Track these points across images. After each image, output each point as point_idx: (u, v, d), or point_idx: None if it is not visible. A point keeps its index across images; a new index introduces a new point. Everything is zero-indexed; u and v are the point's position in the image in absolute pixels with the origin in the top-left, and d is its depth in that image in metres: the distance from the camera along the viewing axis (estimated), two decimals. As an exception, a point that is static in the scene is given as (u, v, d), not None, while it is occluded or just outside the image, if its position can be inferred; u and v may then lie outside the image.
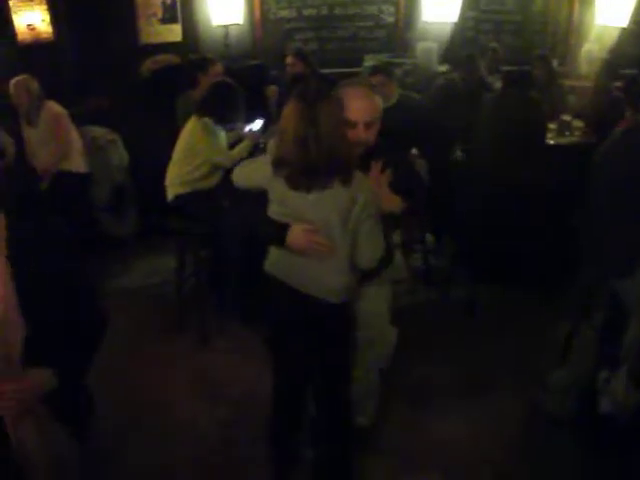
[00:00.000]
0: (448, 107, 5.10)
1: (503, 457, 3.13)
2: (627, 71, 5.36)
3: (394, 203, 2.53)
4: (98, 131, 5.29)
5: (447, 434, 3.28)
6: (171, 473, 3.04)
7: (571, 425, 3.24)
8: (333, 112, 2.29)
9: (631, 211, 3.20)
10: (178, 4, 6.19)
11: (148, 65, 6.07)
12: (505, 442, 3.23)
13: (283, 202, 2.40)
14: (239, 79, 4.51)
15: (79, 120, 5.11)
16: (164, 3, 6.15)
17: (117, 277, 4.96)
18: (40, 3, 5.33)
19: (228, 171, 4.28)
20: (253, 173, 2.59)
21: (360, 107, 2.44)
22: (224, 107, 4.17)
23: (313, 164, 2.26)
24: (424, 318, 4.29)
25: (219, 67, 4.88)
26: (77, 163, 4.90)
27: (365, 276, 2.62)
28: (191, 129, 4.17)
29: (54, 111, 4.75)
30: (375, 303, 2.84)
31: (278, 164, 2.36)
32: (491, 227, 4.47)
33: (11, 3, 5.20)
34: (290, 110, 2.30)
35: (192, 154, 4.16)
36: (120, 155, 5.34)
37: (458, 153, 5.01)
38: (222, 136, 4.25)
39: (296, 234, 2.36)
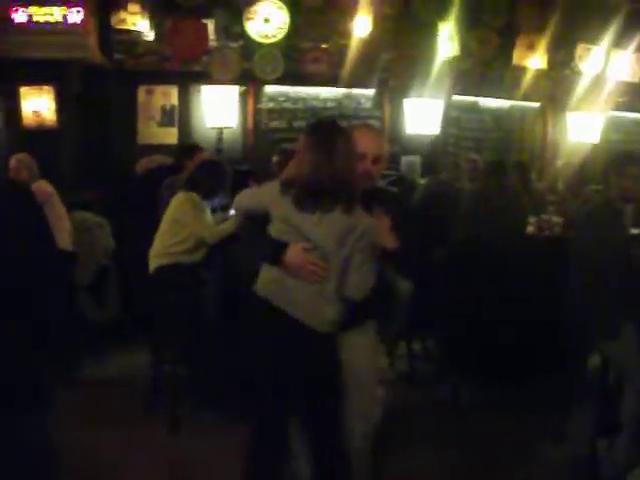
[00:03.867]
0: (431, 209, 5.29)
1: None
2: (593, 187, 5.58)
3: (390, 240, 2.59)
4: (88, 215, 5.43)
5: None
6: None
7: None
8: (346, 143, 2.48)
9: (607, 273, 3.32)
10: (176, 109, 6.57)
11: (144, 164, 6.35)
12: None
13: (286, 220, 2.49)
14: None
15: (72, 207, 5.26)
16: (163, 108, 6.55)
17: (91, 367, 4.89)
18: (49, 92, 5.69)
19: (212, 247, 4.42)
20: (258, 193, 2.74)
21: (370, 141, 2.64)
22: (211, 182, 4.32)
23: (321, 186, 2.41)
24: (410, 417, 4.16)
25: (205, 154, 5.14)
26: (64, 241, 4.98)
27: (357, 316, 2.61)
28: (178, 203, 4.28)
29: (42, 189, 4.87)
30: (363, 356, 2.73)
31: (287, 184, 2.50)
32: (476, 324, 4.48)
33: (22, 90, 5.56)
34: (306, 142, 2.50)
35: (178, 227, 4.24)
36: (107, 239, 5.43)
37: (440, 252, 5.11)
38: (207, 212, 4.37)
39: (294, 251, 2.43)
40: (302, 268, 2.42)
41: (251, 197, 2.76)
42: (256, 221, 2.59)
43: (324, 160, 2.41)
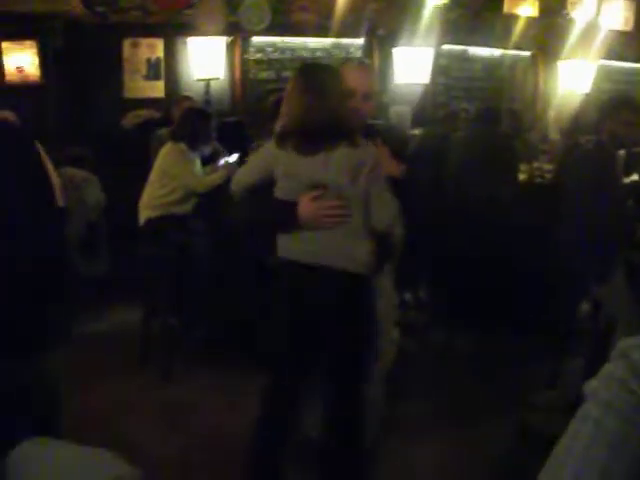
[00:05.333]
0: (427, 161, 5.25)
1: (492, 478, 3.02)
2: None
3: (394, 167, 2.58)
4: (77, 171, 5.36)
5: (433, 460, 3.13)
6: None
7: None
8: (335, 82, 2.43)
9: (600, 217, 3.32)
10: (162, 62, 6.46)
11: (130, 118, 6.27)
12: (494, 463, 3.10)
13: (292, 173, 2.41)
14: (218, 133, 4.67)
15: (59, 164, 5.18)
16: (149, 61, 6.42)
17: (83, 323, 4.79)
18: (31, 47, 5.58)
19: (202, 197, 4.38)
20: (253, 163, 2.64)
21: (358, 78, 2.57)
22: (194, 130, 4.27)
23: (320, 126, 2.35)
24: (404, 365, 4.16)
25: (192, 102, 5.09)
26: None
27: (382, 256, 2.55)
28: (166, 153, 4.25)
29: None
30: (384, 298, 2.68)
31: (283, 137, 2.43)
32: (469, 273, 4.48)
33: (3, 45, 5.43)
34: (293, 85, 2.45)
35: (167, 177, 4.21)
36: (97, 195, 5.37)
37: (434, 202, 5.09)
38: (197, 163, 4.32)
39: (306, 203, 2.35)
40: (318, 218, 2.34)
41: (249, 170, 2.63)
42: (259, 194, 2.52)
43: (317, 100, 2.36)
